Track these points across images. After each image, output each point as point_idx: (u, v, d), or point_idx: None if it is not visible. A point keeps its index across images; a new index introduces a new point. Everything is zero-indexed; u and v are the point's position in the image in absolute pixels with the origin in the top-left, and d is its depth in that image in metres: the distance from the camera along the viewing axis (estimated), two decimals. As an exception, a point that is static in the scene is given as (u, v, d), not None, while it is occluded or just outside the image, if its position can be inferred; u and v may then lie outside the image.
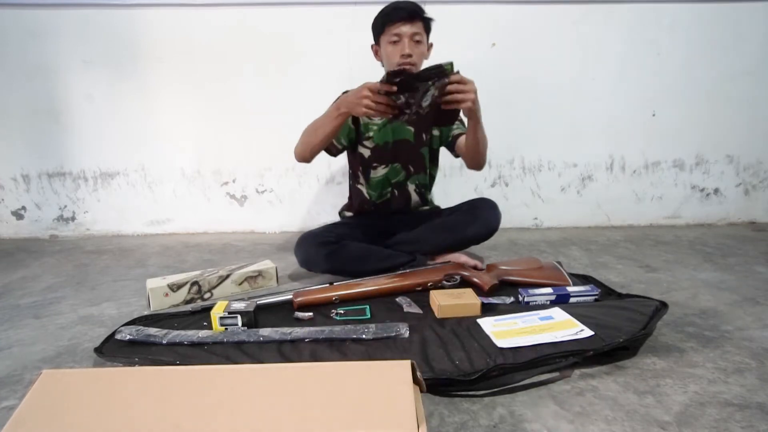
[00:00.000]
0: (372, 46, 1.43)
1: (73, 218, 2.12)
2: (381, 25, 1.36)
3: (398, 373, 0.67)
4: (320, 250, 1.38)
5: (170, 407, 0.62)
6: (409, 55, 1.32)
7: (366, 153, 1.51)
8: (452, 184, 2.05)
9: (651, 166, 2.14)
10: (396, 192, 1.55)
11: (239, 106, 2.02)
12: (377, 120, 1.47)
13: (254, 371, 0.70)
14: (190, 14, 1.92)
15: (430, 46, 1.42)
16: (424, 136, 1.52)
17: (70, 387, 0.65)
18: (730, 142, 2.12)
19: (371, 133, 1.49)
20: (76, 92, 1.98)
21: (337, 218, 1.70)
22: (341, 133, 1.45)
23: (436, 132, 1.54)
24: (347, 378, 0.67)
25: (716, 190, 2.18)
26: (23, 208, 2.10)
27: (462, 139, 1.45)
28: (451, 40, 1.96)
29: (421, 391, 0.68)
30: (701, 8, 1.96)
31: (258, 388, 0.65)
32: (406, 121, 1.39)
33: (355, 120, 1.47)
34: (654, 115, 2.08)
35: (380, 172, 1.52)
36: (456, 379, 0.84)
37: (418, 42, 1.34)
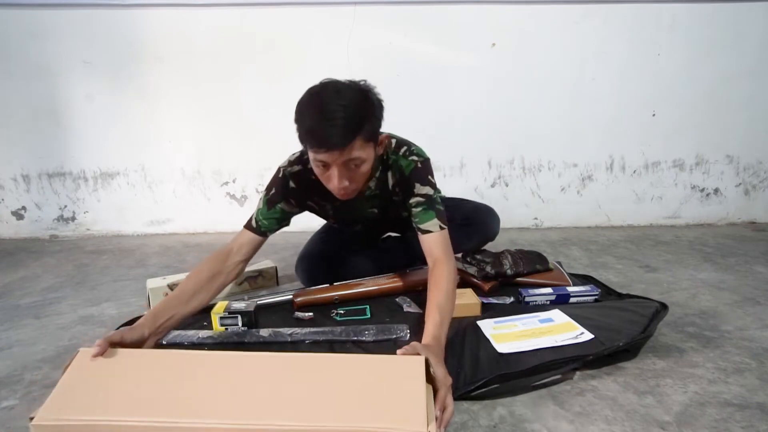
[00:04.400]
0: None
1: (73, 218, 2.12)
2: (299, 136, 0.97)
3: (412, 368, 0.67)
4: (322, 273, 1.33)
5: (193, 386, 0.67)
6: (345, 187, 0.98)
7: (330, 222, 1.37)
8: (452, 184, 2.05)
9: (651, 166, 2.14)
10: (377, 229, 1.42)
11: (239, 106, 2.02)
12: (329, 205, 1.22)
13: (273, 359, 0.73)
14: (190, 14, 1.92)
15: (383, 139, 1.04)
16: (392, 212, 1.24)
17: (104, 364, 0.71)
18: (730, 142, 2.12)
19: (325, 216, 1.29)
20: (76, 92, 1.98)
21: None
22: (275, 224, 1.17)
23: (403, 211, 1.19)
24: (361, 370, 0.68)
25: (716, 190, 2.18)
26: (23, 208, 2.10)
27: (426, 244, 1.07)
28: (451, 40, 1.97)
29: (434, 389, 0.68)
30: (701, 8, 1.96)
31: (274, 375, 0.68)
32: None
33: (302, 204, 1.21)
34: (654, 115, 2.08)
35: (355, 227, 1.36)
36: (457, 392, 0.83)
37: (356, 166, 0.96)
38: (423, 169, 1.12)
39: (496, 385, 0.84)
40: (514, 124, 2.06)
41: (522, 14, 1.95)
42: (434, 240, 1.05)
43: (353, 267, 1.35)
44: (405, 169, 1.12)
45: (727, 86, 2.05)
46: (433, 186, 1.12)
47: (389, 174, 1.15)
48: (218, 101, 2.02)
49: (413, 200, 1.11)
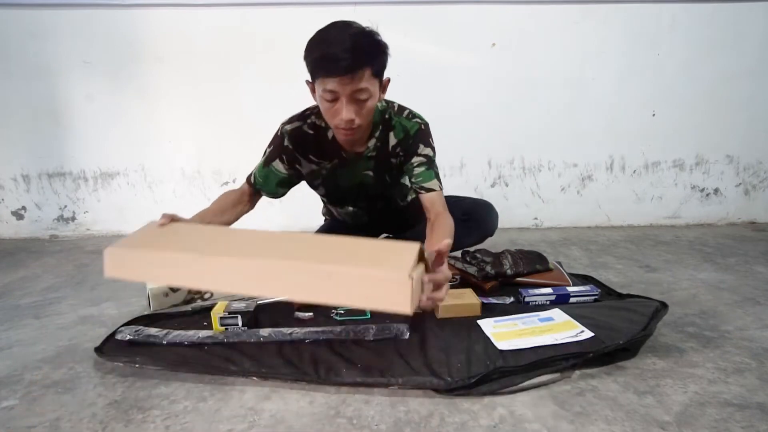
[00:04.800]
0: (307, 82, 1.07)
1: (73, 218, 2.12)
2: (310, 69, 1.01)
3: (407, 246, 0.78)
4: None
5: (233, 241, 0.85)
6: (352, 121, 1.01)
7: (321, 192, 1.33)
8: (452, 184, 2.05)
9: (651, 166, 2.14)
10: (370, 220, 1.39)
11: (239, 105, 2.02)
12: (326, 164, 1.23)
13: (298, 235, 1.00)
14: (190, 14, 1.92)
15: (387, 83, 1.08)
16: (387, 177, 1.25)
17: (166, 229, 0.89)
18: (730, 142, 2.12)
19: (318, 181, 1.27)
20: (76, 92, 1.98)
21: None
22: (267, 185, 1.24)
23: (395, 173, 1.26)
24: (365, 242, 0.80)
25: (716, 190, 2.18)
26: (23, 208, 2.10)
27: (428, 201, 1.14)
28: (451, 40, 1.97)
29: (426, 271, 0.78)
30: (701, 8, 1.96)
31: (295, 240, 0.87)
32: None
33: (294, 165, 1.22)
34: (654, 115, 2.08)
35: (345, 210, 1.36)
36: (456, 386, 0.84)
37: (363, 100, 1.00)
38: (426, 132, 1.19)
39: (495, 379, 0.85)
40: (514, 124, 2.06)
41: (522, 14, 1.95)
42: (436, 197, 1.13)
43: None
44: (410, 129, 1.17)
45: (727, 86, 2.05)
46: (434, 149, 1.20)
47: (391, 134, 1.18)
48: (218, 101, 2.02)
49: (415, 160, 1.16)
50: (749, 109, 2.08)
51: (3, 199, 2.08)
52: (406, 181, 1.28)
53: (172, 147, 2.06)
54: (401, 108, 1.20)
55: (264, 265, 0.76)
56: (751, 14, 1.97)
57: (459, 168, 2.09)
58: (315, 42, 1.00)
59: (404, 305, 0.69)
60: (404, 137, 1.18)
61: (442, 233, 1.00)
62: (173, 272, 0.81)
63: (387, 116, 1.18)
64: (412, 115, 1.20)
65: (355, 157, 1.20)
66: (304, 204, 2.19)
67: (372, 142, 1.18)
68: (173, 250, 0.82)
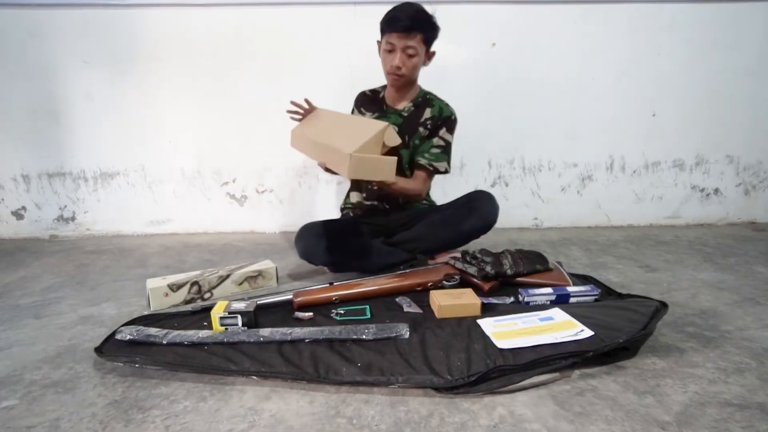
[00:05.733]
0: (377, 42, 1.44)
1: (73, 218, 2.12)
2: (381, 28, 1.38)
3: (373, 127, 1.17)
4: (321, 242, 1.38)
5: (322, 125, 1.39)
6: (399, 68, 1.37)
7: None
8: (452, 184, 2.05)
9: (651, 166, 2.14)
10: (376, 186, 1.50)
11: (239, 105, 2.02)
12: (370, 115, 1.53)
13: (341, 117, 1.41)
14: (190, 14, 1.92)
15: (432, 54, 1.44)
16: (407, 138, 1.48)
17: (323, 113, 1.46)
18: (730, 142, 2.12)
19: None
20: (76, 92, 1.98)
21: (339, 215, 1.70)
22: None
23: (418, 142, 1.49)
24: (354, 125, 1.29)
25: (716, 190, 2.18)
26: (23, 208, 2.10)
27: (419, 171, 1.49)
28: (451, 40, 1.97)
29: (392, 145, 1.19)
30: (701, 8, 1.96)
31: (334, 124, 1.34)
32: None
33: (354, 107, 1.61)
34: (654, 115, 2.08)
35: None
36: (456, 384, 0.84)
37: (411, 55, 1.37)
38: (453, 122, 1.51)
39: (495, 377, 0.86)
40: (514, 124, 2.06)
41: (522, 14, 1.95)
42: (429, 176, 1.50)
43: (353, 250, 1.39)
44: (444, 112, 1.49)
45: (728, 86, 2.05)
46: (452, 139, 1.51)
47: (428, 110, 1.49)
48: (218, 101, 2.02)
49: (435, 140, 1.48)
50: (749, 109, 2.08)
51: (3, 199, 2.08)
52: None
53: (172, 147, 2.06)
54: (441, 99, 1.53)
55: (312, 140, 1.31)
56: (751, 14, 1.97)
57: (459, 168, 2.09)
58: (389, 11, 1.36)
59: (344, 172, 1.12)
60: (437, 115, 1.48)
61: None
62: (300, 145, 1.41)
63: (428, 97, 1.52)
64: (449, 105, 1.52)
65: (393, 112, 1.51)
66: (304, 205, 2.19)
67: (409, 105, 1.50)
68: (306, 131, 1.38)
